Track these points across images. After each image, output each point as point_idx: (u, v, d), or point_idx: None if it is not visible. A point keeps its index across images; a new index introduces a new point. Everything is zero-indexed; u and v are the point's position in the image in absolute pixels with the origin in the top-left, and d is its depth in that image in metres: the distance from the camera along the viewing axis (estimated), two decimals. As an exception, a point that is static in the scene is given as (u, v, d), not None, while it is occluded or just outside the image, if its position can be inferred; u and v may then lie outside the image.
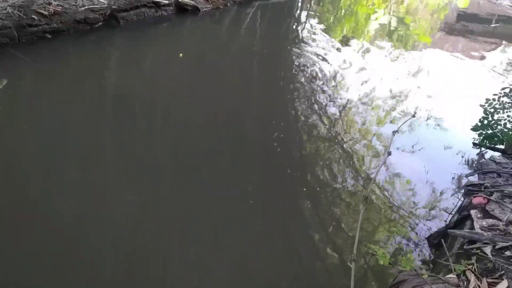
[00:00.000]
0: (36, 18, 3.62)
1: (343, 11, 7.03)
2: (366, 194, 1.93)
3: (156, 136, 2.66)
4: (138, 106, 3.00)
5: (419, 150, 2.88)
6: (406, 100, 3.72)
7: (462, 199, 2.43)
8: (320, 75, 4.06)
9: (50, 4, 3.82)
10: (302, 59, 4.44)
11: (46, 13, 3.70)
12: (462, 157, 2.91)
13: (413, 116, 3.11)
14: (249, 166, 2.51)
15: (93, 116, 2.75)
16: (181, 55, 3.67)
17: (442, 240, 1.77)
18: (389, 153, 2.46)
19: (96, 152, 2.40)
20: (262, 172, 2.48)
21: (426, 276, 1.47)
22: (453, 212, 2.32)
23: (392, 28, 6.36)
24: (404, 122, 3.05)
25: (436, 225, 2.25)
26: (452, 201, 2.45)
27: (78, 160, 2.30)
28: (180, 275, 1.72)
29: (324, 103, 3.52)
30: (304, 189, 2.43)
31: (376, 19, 6.80)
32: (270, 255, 1.88)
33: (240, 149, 2.69)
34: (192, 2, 4.93)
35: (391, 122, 3.27)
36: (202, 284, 1.71)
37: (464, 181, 2.63)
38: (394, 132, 2.80)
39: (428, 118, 3.38)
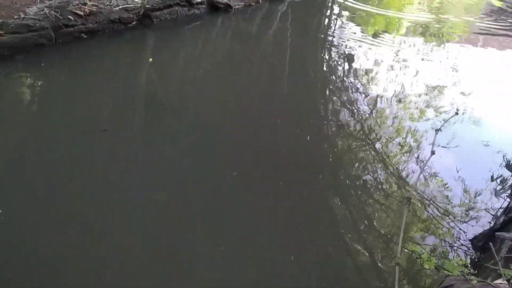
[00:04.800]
0: (72, 18, 3.68)
1: (375, 4, 6.88)
2: (410, 195, 1.85)
3: (185, 136, 2.65)
4: (167, 105, 3.00)
5: (456, 147, 2.76)
6: (441, 96, 3.59)
7: (509, 200, 2.31)
8: (352, 71, 3.99)
9: (85, 4, 3.87)
10: (333, 55, 4.37)
11: (81, 13, 3.75)
12: (504, 156, 2.78)
13: (456, 113, 2.99)
14: (278, 166, 2.46)
15: (125, 114, 2.77)
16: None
17: (490, 243, 1.67)
18: (433, 153, 2.36)
19: (125, 150, 2.41)
20: (292, 171, 2.43)
21: (475, 282, 1.39)
22: (498, 214, 2.22)
23: (425, 23, 6.18)
24: (447, 120, 2.93)
25: (479, 227, 2.15)
26: (495, 202, 2.34)
27: (107, 156, 2.31)
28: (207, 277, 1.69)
29: (356, 100, 3.45)
30: (336, 190, 2.37)
31: (409, 13, 6.64)
32: (300, 259, 1.83)
33: (270, 147, 2.65)
34: (225, 0, 4.90)
35: (426, 120, 3.17)
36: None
37: (510, 181, 2.50)
38: (437, 131, 2.69)
39: (465, 115, 3.25)
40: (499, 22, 5.88)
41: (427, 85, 3.75)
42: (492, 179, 2.53)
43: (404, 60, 4.34)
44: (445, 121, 2.92)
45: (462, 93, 3.65)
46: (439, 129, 2.73)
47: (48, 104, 2.90)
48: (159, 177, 2.21)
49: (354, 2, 6.26)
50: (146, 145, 2.51)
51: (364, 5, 6.53)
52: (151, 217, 1.93)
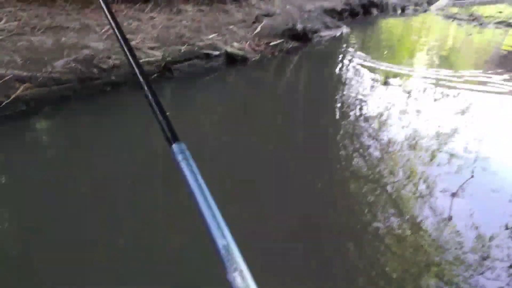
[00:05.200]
0: (96, 72, 3.82)
1: (385, 52, 7.04)
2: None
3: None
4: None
5: (464, 192, 2.74)
6: (452, 139, 3.60)
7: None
8: (363, 116, 4.04)
9: (109, 58, 4.02)
10: (345, 102, 4.44)
11: (106, 66, 3.89)
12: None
13: (472, 176, 2.97)
14: (290, 210, 2.47)
15: (148, 165, 2.82)
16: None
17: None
18: (450, 218, 2.36)
19: (147, 202, 2.44)
20: (304, 214, 2.44)
21: None
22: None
23: (437, 64, 6.29)
24: (463, 184, 2.92)
25: (491, 276, 2.10)
26: (505, 250, 2.30)
27: (129, 207, 2.34)
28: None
29: (367, 144, 3.46)
30: (347, 233, 2.35)
31: (421, 55, 6.78)
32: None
33: (282, 192, 2.66)
34: (241, 52, 5.06)
35: (438, 165, 3.17)
36: None
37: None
38: (453, 194, 2.68)
39: (475, 160, 3.25)
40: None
41: (437, 128, 3.77)
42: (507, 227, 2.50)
43: (414, 101, 4.38)
44: (461, 186, 2.90)
45: (473, 135, 3.65)
46: (455, 193, 2.72)
47: (73, 154, 2.96)
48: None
49: (364, 58, 6.36)
50: (169, 195, 2.54)
51: (376, 51, 6.70)
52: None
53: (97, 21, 4.76)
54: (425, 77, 5.33)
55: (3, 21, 4.36)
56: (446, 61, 6.56)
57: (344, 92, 4.85)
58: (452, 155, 3.36)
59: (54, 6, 5.12)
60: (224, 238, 0.59)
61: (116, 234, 2.15)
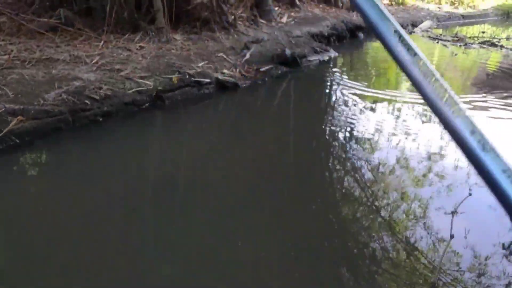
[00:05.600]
0: (88, 102, 3.82)
1: (373, 74, 7.16)
2: (434, 281, 1.82)
3: (200, 214, 2.67)
4: (180, 183, 3.06)
5: (461, 210, 2.76)
6: (443, 161, 3.64)
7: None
8: (353, 139, 4.09)
9: (101, 88, 4.03)
10: (335, 125, 4.49)
11: (97, 97, 3.90)
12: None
13: (470, 194, 3.00)
14: (282, 235, 2.46)
15: (140, 195, 2.81)
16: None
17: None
18: (452, 236, 2.37)
19: (138, 230, 2.42)
20: (297, 239, 2.43)
21: None
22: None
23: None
24: (461, 203, 2.93)
25: None
26: (502, 267, 2.30)
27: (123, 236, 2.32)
28: None
29: (358, 166, 3.49)
30: (341, 261, 2.35)
31: (404, 76, 6.86)
32: None
33: (275, 219, 2.66)
34: (232, 79, 5.11)
35: (430, 185, 3.20)
36: None
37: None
38: (453, 213, 2.70)
39: (467, 180, 3.28)
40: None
41: (427, 150, 3.81)
42: (504, 247, 2.51)
43: (403, 123, 4.44)
44: (459, 204, 2.91)
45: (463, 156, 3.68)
46: (455, 211, 2.74)
47: (67, 186, 2.94)
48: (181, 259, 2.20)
49: (351, 82, 6.43)
50: (163, 225, 2.52)
51: (364, 73, 6.80)
52: None
53: (87, 52, 4.80)
54: (413, 100, 5.40)
55: (-7, 55, 4.37)
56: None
57: (333, 116, 4.91)
58: (443, 175, 3.39)
59: (44, 39, 5.16)
60: None
61: (107, 272, 2.13)
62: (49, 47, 4.85)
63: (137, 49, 5.15)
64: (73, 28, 5.44)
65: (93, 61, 4.55)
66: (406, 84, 6.47)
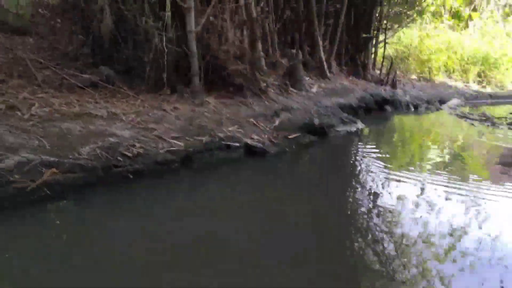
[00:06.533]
0: (121, 159, 3.91)
1: (399, 148, 7.17)
2: None
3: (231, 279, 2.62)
4: (211, 247, 3.04)
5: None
6: (466, 238, 3.54)
7: None
8: (375, 211, 4.03)
9: (134, 146, 4.13)
10: (359, 196, 4.48)
11: (130, 155, 3.99)
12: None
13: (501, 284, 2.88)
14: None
15: (173, 257, 2.79)
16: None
17: None
18: None
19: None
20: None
21: None
22: None
23: (447, 162, 6.36)
24: None
25: None
26: None
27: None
28: None
29: (380, 238, 3.42)
30: None
31: (434, 153, 6.89)
32: None
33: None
34: (260, 145, 5.18)
35: (453, 261, 3.09)
36: None
37: None
38: None
39: (491, 259, 3.16)
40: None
41: (449, 226, 3.72)
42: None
43: (425, 198, 4.36)
44: None
45: (488, 235, 3.58)
46: None
47: (93, 242, 2.95)
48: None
49: (377, 155, 6.46)
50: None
51: (388, 145, 6.82)
52: None
53: (124, 110, 4.97)
54: (437, 177, 5.37)
55: (35, 107, 4.56)
56: (460, 162, 6.61)
57: (357, 187, 4.89)
58: (467, 253, 3.29)
59: (84, 94, 5.38)
60: None
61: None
62: (89, 102, 5.04)
63: (171, 109, 5.31)
64: (112, 86, 5.67)
65: (129, 119, 4.70)
66: (430, 160, 6.45)
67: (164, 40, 5.51)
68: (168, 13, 5.42)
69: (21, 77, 5.53)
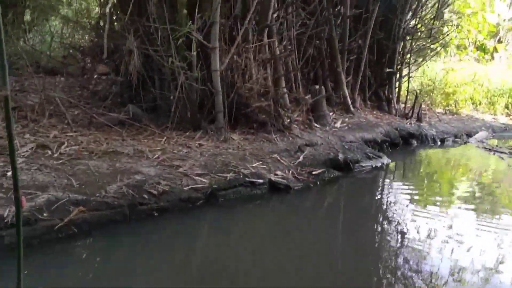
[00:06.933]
0: (146, 197, 3.96)
1: (426, 182, 7.05)
2: None
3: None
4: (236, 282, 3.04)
5: None
6: (499, 274, 3.41)
7: None
8: (403, 247, 3.97)
9: (159, 183, 4.19)
10: (386, 232, 4.42)
11: (155, 192, 4.04)
12: None
13: None
14: None
15: None
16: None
17: None
18: None
19: None
20: None
21: None
22: None
23: (477, 197, 6.20)
24: None
25: None
26: None
27: None
28: None
29: (409, 276, 3.35)
30: None
31: (460, 187, 6.76)
32: None
33: None
34: (284, 181, 5.17)
35: None
36: None
37: None
38: None
39: None
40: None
41: (482, 261, 3.60)
42: None
43: (457, 232, 4.27)
44: None
45: None
46: None
47: (123, 279, 2.98)
48: None
49: (403, 190, 6.36)
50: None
51: (417, 178, 6.70)
52: None
53: (150, 147, 5.06)
54: (465, 211, 5.26)
55: (64, 145, 4.70)
56: (490, 197, 6.44)
57: (383, 222, 4.83)
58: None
59: (112, 132, 5.53)
60: None
61: None
62: (116, 140, 5.17)
63: (196, 146, 5.38)
64: (139, 123, 5.81)
65: (155, 156, 4.78)
66: (459, 196, 6.31)
67: (189, 79, 5.64)
68: (193, 53, 5.56)
69: (52, 116, 5.73)
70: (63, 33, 8.87)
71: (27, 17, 9.61)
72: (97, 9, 7.59)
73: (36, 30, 9.43)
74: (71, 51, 7.97)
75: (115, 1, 6.65)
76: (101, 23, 6.82)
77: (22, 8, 8.73)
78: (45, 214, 3.33)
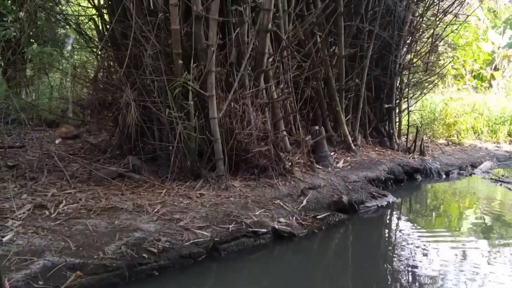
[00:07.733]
0: (146, 256, 3.85)
1: (433, 219, 6.91)
2: None
3: None
4: None
5: None
6: None
7: None
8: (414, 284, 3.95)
9: (159, 240, 4.08)
10: (395, 274, 4.39)
11: (155, 250, 3.93)
12: None
13: None
14: None
15: None
16: None
17: None
18: None
19: None
20: None
21: None
22: None
23: (487, 231, 6.09)
24: None
25: None
26: None
27: None
28: None
29: None
30: None
31: (469, 222, 6.65)
32: None
33: None
34: (288, 228, 5.05)
35: None
36: None
37: None
38: None
39: None
40: None
41: None
42: None
43: (466, 265, 4.20)
44: None
45: None
46: None
47: None
48: None
49: (411, 229, 6.26)
50: None
51: (423, 212, 6.56)
52: None
53: (149, 201, 4.98)
54: (475, 248, 5.15)
55: (62, 204, 4.63)
56: (501, 230, 6.29)
57: (393, 265, 4.76)
58: None
59: (111, 186, 5.45)
60: None
61: None
62: (115, 195, 5.09)
63: (197, 196, 5.30)
64: (139, 175, 5.74)
65: (155, 210, 4.69)
66: (467, 229, 6.19)
67: (187, 128, 5.62)
68: (191, 102, 5.56)
69: (50, 172, 5.67)
70: (62, 86, 8.98)
71: (28, 72, 9.77)
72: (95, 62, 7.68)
73: (36, 84, 9.55)
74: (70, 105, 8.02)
75: (112, 54, 6.71)
76: (99, 77, 6.87)
77: (21, 65, 8.87)
78: (40, 283, 3.22)
